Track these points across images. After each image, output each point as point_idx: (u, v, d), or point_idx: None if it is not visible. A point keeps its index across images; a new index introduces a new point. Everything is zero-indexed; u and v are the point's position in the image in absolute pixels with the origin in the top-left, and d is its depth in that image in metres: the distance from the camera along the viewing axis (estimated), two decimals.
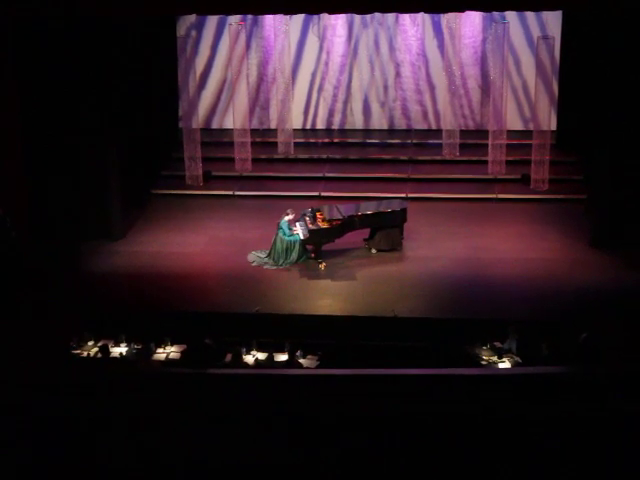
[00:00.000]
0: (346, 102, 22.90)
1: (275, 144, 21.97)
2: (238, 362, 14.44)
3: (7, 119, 17.19)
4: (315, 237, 17.95)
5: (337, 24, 22.33)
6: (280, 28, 21.19)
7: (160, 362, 14.72)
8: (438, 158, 21.70)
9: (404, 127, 22.86)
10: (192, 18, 22.09)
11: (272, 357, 14.66)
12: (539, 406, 11.60)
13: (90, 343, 15.19)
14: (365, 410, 11.74)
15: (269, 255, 18.09)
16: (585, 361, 13.71)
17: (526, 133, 21.55)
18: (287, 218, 18.09)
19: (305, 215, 18.28)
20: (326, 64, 22.70)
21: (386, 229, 18.45)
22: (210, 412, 11.80)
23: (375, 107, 22.85)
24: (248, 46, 21.89)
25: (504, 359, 14.50)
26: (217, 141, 22.37)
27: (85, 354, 14.92)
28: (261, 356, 14.71)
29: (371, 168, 21.61)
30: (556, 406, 11.53)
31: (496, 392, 11.91)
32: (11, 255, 16.85)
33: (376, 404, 11.81)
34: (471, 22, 21.57)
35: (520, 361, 14.45)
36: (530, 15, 21.50)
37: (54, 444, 11.66)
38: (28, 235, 17.42)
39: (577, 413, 11.39)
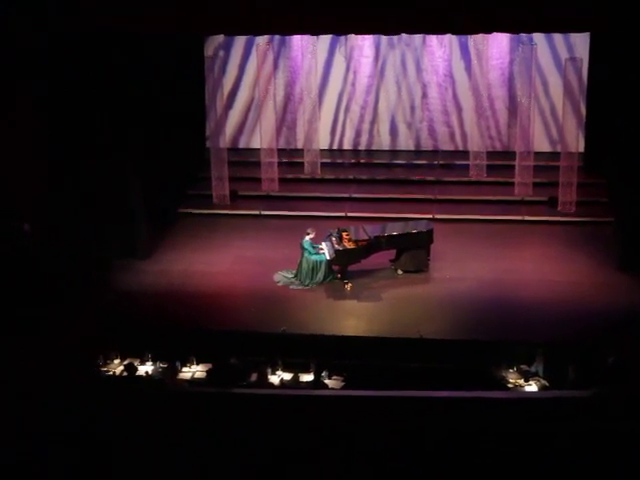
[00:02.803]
0: (373, 123, 22.93)
1: (302, 164, 22.03)
2: (263, 382, 14.44)
3: (33, 136, 17.32)
4: (341, 257, 17.93)
5: (364, 45, 22.38)
6: (307, 48, 21.30)
7: (186, 381, 14.73)
8: (465, 179, 21.68)
9: (431, 148, 22.85)
10: (220, 38, 22.22)
11: (297, 377, 14.64)
12: (566, 429, 11.53)
13: (116, 361, 15.25)
14: (391, 431, 11.70)
15: (295, 275, 18.09)
16: (613, 384, 13.61)
17: (553, 155, 21.50)
18: (308, 237, 18.10)
19: (331, 235, 18.27)
20: (353, 85, 22.75)
21: (412, 250, 18.41)
22: (235, 432, 11.80)
23: (402, 128, 22.86)
24: (275, 66, 21.96)
25: (531, 382, 14.42)
26: (244, 161, 22.43)
27: (111, 372, 14.97)
28: (287, 376, 14.69)
29: (398, 189, 21.60)
30: (583, 429, 11.46)
31: (523, 415, 11.86)
32: (29, 268, 16.92)
33: (402, 426, 11.77)
34: (498, 43, 21.57)
35: (547, 384, 14.36)
36: (558, 37, 21.48)
37: (79, 462, 11.70)
38: (53, 253, 17.50)
39: (604, 436, 11.31)
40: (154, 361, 15.15)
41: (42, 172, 17.50)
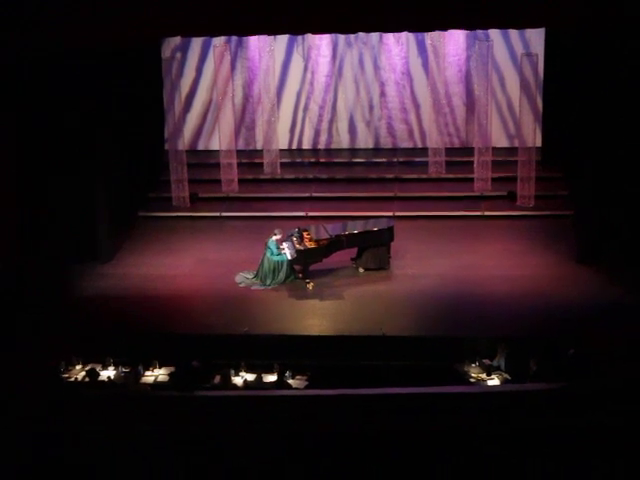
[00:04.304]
0: (332, 122, 22.94)
1: (261, 165, 22.00)
2: (227, 384, 14.41)
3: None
4: (302, 257, 17.94)
5: (322, 44, 22.39)
6: (265, 49, 21.26)
7: (148, 385, 14.67)
8: (424, 176, 21.75)
9: (390, 146, 22.91)
10: (177, 40, 22.09)
11: (261, 378, 14.64)
12: (528, 422, 11.62)
13: (78, 367, 15.15)
14: (354, 429, 11.73)
15: (256, 275, 18.07)
16: (573, 377, 13.72)
17: (511, 150, 21.63)
18: (275, 238, 18.10)
19: (292, 235, 18.27)
20: (311, 84, 22.75)
21: (373, 248, 18.45)
22: (199, 434, 11.78)
23: (361, 126, 22.90)
24: (233, 67, 21.93)
25: (493, 376, 14.51)
26: (203, 162, 22.36)
27: (73, 378, 14.86)
28: (250, 377, 14.69)
29: (358, 187, 21.65)
30: (544, 422, 11.55)
31: (485, 409, 11.92)
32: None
33: (365, 423, 11.81)
34: (455, 40, 21.68)
35: (509, 378, 14.46)
36: (513, 33, 21.60)
37: (42, 466, 11.63)
38: (16, 257, 17.38)
39: (565, 428, 11.41)
40: (116, 366, 15.08)
41: (6, 177, 17.38)
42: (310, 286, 17.84)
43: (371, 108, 22.77)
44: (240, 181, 21.52)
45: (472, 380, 14.53)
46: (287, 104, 22.82)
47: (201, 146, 23.13)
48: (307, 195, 21.54)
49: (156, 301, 17.50)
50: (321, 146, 23.11)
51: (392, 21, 16.22)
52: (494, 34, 20.89)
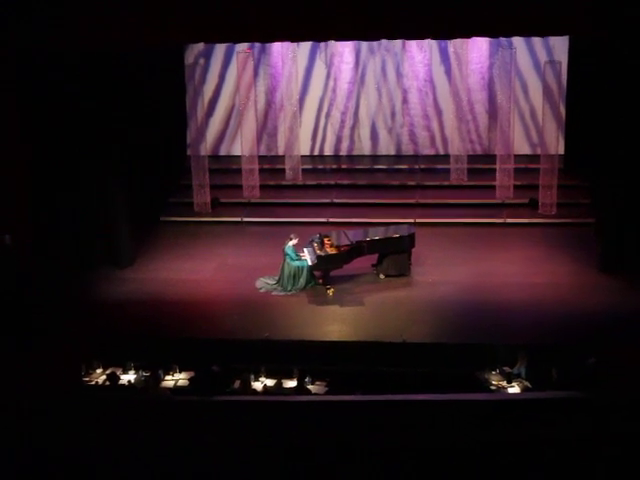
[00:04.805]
0: (354, 128, 22.97)
1: (283, 171, 22.04)
2: (247, 389, 14.41)
3: (14, 147, 17.26)
4: (323, 263, 17.93)
5: (344, 51, 22.44)
6: (287, 55, 21.32)
7: (169, 389, 14.69)
8: (446, 183, 21.74)
9: (412, 153, 22.90)
10: (200, 46, 22.22)
11: (281, 383, 14.62)
12: (549, 430, 11.56)
13: (98, 371, 15.18)
14: (375, 435, 11.71)
15: (277, 281, 18.08)
16: (593, 385, 13.65)
17: (534, 157, 21.59)
18: (291, 243, 18.10)
19: (313, 241, 18.28)
20: (333, 91, 22.79)
21: (394, 254, 18.43)
22: (219, 439, 11.78)
23: (383, 133, 22.91)
24: (256, 73, 21.98)
25: (513, 384, 14.45)
26: (225, 168, 22.44)
27: (93, 382, 14.90)
28: (270, 382, 14.67)
29: (379, 194, 21.65)
30: (566, 429, 11.49)
31: (506, 417, 11.88)
32: (15, 281, 16.87)
33: (386, 430, 11.78)
34: (478, 48, 21.66)
35: (530, 386, 14.40)
36: (537, 40, 21.58)
37: (62, 471, 11.66)
38: (35, 262, 17.45)
39: (586, 436, 11.35)
40: (136, 370, 15.09)
41: (24, 183, 17.46)
42: (330, 292, 17.83)
43: (393, 115, 22.77)
44: (262, 187, 21.57)
45: (493, 388, 14.47)
46: (309, 110, 22.86)
47: (223, 151, 23.21)
48: (328, 201, 21.56)
49: (176, 306, 17.52)
50: (343, 152, 23.15)
51: (415, 28, 16.20)
52: (517, 41, 20.86)
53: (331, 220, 20.74)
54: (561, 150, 21.06)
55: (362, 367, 15.58)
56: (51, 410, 12.25)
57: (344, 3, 15.55)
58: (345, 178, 22.36)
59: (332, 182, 22.22)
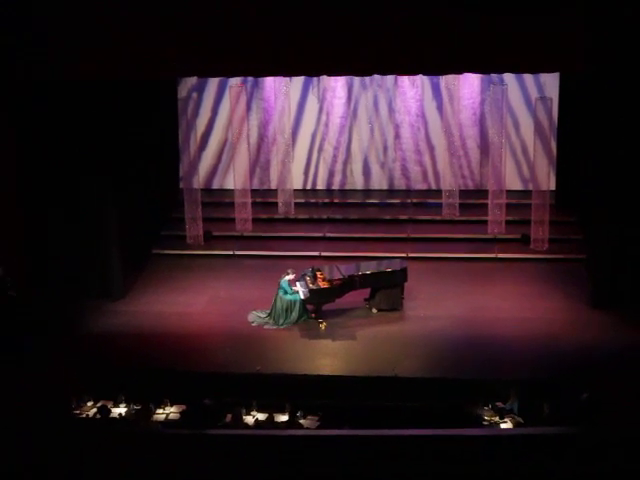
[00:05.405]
0: (346, 163, 23.04)
1: (275, 204, 22.07)
2: (238, 423, 14.36)
3: (7, 182, 17.31)
4: (315, 297, 17.94)
5: (337, 86, 22.56)
6: (280, 90, 21.42)
7: (160, 422, 14.63)
8: (438, 218, 21.78)
9: (404, 187, 22.95)
10: (193, 80, 22.30)
11: (272, 418, 14.57)
12: (541, 466, 11.53)
13: (89, 404, 15.11)
14: (366, 470, 11.65)
15: (269, 315, 18.07)
16: (586, 421, 13.63)
17: (525, 193, 21.65)
18: (288, 278, 18.12)
19: (305, 275, 18.28)
20: (326, 125, 22.88)
21: (386, 289, 18.44)
22: (210, 473, 11.71)
23: (375, 168, 22.98)
24: (249, 107, 22.08)
25: (506, 419, 14.43)
26: (218, 201, 22.47)
27: (84, 415, 14.83)
28: (261, 417, 14.62)
29: (371, 228, 21.68)
30: (558, 466, 11.46)
31: (498, 453, 11.84)
32: (10, 315, 16.83)
33: (377, 465, 11.73)
34: (470, 84, 21.81)
35: (522, 421, 14.37)
36: (528, 77, 21.70)
37: None
38: (28, 295, 17.42)
39: (579, 473, 11.32)
40: (127, 403, 15.04)
41: (16, 216, 17.46)
42: (323, 326, 17.82)
43: (385, 150, 22.87)
44: (254, 220, 21.60)
45: (485, 423, 14.45)
46: (302, 145, 22.94)
47: (216, 185, 23.24)
48: (321, 235, 21.58)
49: (168, 339, 17.49)
50: (335, 187, 23.19)
51: (407, 64, 16.32)
52: (509, 78, 20.98)
53: (323, 254, 20.75)
54: (552, 186, 21.15)
55: (354, 401, 15.55)
56: (39, 442, 12.17)
57: (336, 38, 15.67)
58: (337, 212, 22.40)
59: (324, 216, 22.25)
